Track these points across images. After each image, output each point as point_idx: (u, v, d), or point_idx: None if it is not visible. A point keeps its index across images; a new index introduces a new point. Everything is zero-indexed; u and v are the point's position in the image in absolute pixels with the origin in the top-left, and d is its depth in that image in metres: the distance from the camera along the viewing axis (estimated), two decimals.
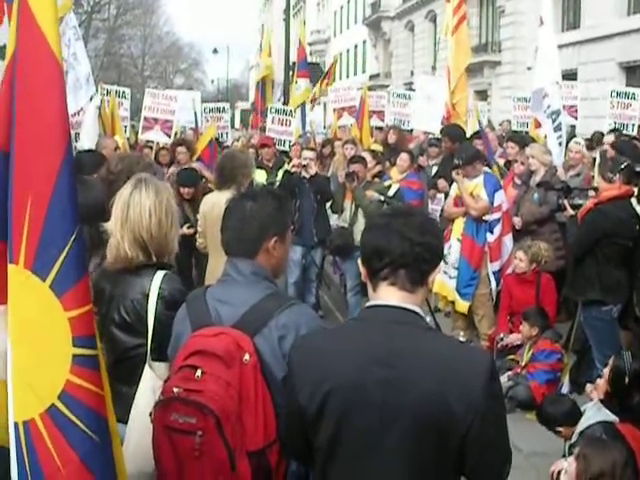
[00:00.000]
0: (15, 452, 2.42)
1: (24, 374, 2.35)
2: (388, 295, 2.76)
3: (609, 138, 12.13)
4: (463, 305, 9.30)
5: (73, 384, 2.31)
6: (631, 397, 5.76)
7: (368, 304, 2.84)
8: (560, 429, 5.95)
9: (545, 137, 12.13)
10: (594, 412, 5.65)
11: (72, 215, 2.30)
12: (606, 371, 6.31)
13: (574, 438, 5.65)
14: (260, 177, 11.50)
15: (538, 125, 12.94)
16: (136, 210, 3.82)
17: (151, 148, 15.00)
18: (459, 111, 13.77)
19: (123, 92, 16.53)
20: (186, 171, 10.44)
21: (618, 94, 16.29)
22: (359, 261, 2.90)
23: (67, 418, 2.32)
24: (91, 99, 11.82)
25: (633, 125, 15.65)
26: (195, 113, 17.05)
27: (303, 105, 17.97)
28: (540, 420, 6.31)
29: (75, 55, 11.19)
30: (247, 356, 2.96)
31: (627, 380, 6.03)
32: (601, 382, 5.94)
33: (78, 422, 2.32)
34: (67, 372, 2.31)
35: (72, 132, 11.40)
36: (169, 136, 15.57)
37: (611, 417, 5.54)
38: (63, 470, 2.34)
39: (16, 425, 2.39)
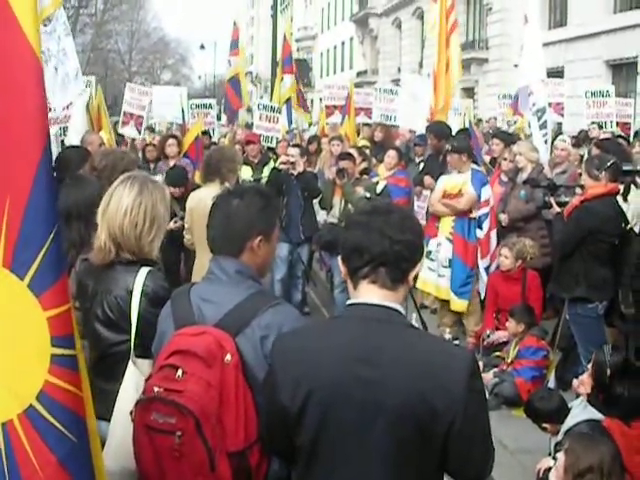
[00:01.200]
0: None
1: (1, 375, 2.32)
2: (369, 293, 2.76)
3: (595, 133, 12.17)
4: (460, 304, 9.28)
5: (52, 385, 2.28)
6: (614, 390, 5.79)
7: (349, 302, 2.84)
8: (546, 425, 5.96)
9: (529, 126, 12.16)
10: (580, 410, 5.66)
11: (51, 214, 2.26)
12: (589, 366, 6.34)
13: (560, 436, 5.66)
14: (246, 173, 11.48)
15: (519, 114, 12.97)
16: (113, 206, 3.82)
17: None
18: (443, 112, 13.73)
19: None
20: (175, 170, 10.40)
21: (593, 93, 16.42)
22: (339, 259, 2.89)
23: (45, 419, 2.29)
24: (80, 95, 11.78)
25: (611, 122, 15.74)
26: (182, 109, 17.01)
27: (289, 101, 17.96)
28: (527, 414, 6.32)
29: (64, 50, 11.14)
30: (229, 356, 2.94)
31: (608, 373, 6.07)
32: (585, 377, 5.96)
33: (56, 423, 2.29)
34: (46, 372, 2.28)
35: (60, 127, 11.43)
36: (139, 132, 15.55)
37: (597, 415, 5.55)
38: (41, 472, 2.31)
39: None
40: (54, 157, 9.09)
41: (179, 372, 2.93)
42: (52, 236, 2.25)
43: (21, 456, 2.33)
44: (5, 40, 2.25)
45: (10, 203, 2.24)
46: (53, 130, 13.02)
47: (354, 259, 2.77)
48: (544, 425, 6.00)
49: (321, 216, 10.99)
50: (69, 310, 2.30)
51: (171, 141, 12.22)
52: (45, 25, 10.93)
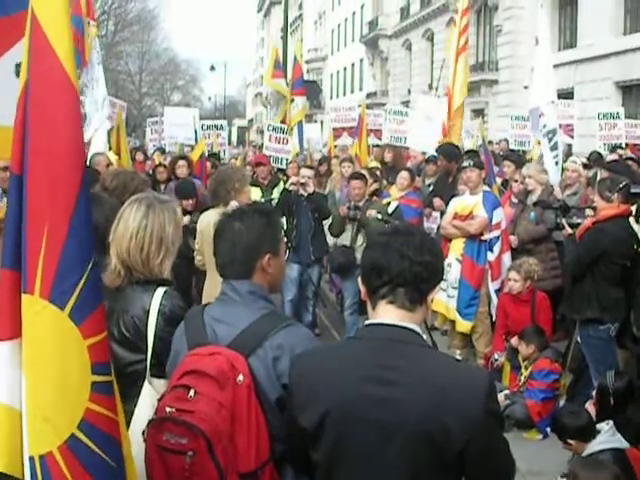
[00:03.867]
0: None
1: (40, 407, 2.32)
2: (387, 313, 2.75)
3: (612, 157, 12.16)
4: (465, 325, 9.30)
5: (92, 412, 2.29)
6: (620, 415, 5.77)
7: (367, 322, 2.84)
8: (572, 442, 5.88)
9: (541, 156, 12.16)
10: (607, 437, 5.62)
11: (89, 244, 2.29)
12: (593, 393, 6.33)
13: (584, 454, 5.64)
14: (255, 195, 11.50)
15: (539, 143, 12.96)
16: (120, 230, 3.83)
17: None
18: (453, 133, 13.75)
19: None
20: (184, 183, 10.48)
21: (604, 115, 16.41)
22: (359, 279, 2.89)
23: (87, 447, 2.30)
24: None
25: (621, 144, 15.72)
26: (195, 130, 17.06)
27: (300, 123, 17.95)
28: (553, 429, 6.27)
29: (97, 79, 11.31)
30: (241, 377, 2.93)
31: (612, 400, 6.05)
32: (588, 405, 5.95)
33: (97, 450, 2.30)
34: (86, 400, 2.29)
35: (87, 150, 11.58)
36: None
37: (624, 443, 5.53)
38: None
39: (32, 459, 2.35)
40: None
41: (191, 392, 2.93)
42: (90, 265, 2.27)
43: None
44: (44, 72, 2.26)
45: (48, 234, 2.25)
46: None
47: (373, 279, 2.77)
48: (569, 441, 5.93)
49: (331, 238, 10.97)
50: (105, 337, 2.32)
51: (181, 162, 12.31)
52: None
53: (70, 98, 2.26)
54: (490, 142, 20.28)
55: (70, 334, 2.27)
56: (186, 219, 9.13)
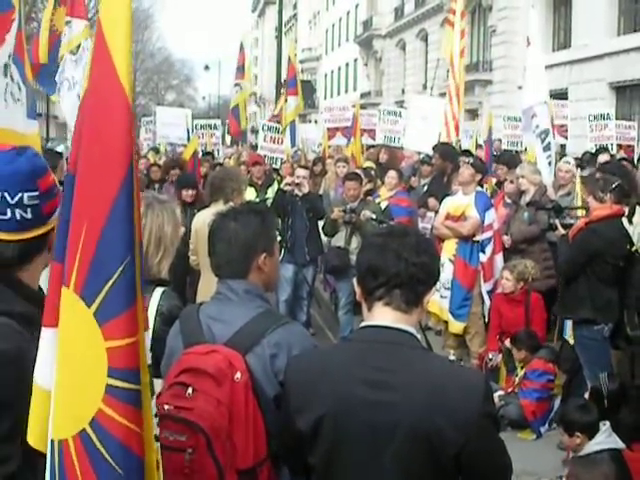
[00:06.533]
0: (49, 469, 2.42)
1: (62, 396, 2.35)
2: (383, 315, 2.74)
3: (603, 158, 12.19)
4: (457, 326, 9.34)
5: (104, 414, 2.27)
6: (614, 417, 5.80)
7: (362, 324, 2.83)
8: (580, 436, 5.89)
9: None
10: (604, 437, 5.65)
11: (123, 245, 2.27)
12: (586, 395, 6.35)
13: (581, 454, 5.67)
14: (250, 195, 11.51)
15: None
16: None
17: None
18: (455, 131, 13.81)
19: None
20: (186, 175, 10.54)
21: (595, 117, 16.46)
22: (354, 280, 2.89)
23: (95, 447, 2.29)
24: None
25: (612, 145, 15.77)
26: (188, 130, 17.07)
27: (293, 123, 18.04)
28: (560, 420, 6.28)
29: None
30: (238, 374, 2.95)
31: (606, 402, 6.08)
32: None
33: (105, 453, 2.28)
34: (99, 401, 2.27)
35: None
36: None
37: (620, 444, 5.55)
38: None
39: (52, 442, 2.39)
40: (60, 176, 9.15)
41: (189, 390, 2.94)
42: (122, 268, 2.26)
43: (71, 476, 2.33)
44: (98, 74, 2.31)
45: (87, 230, 2.27)
46: (61, 149, 13.15)
47: (369, 280, 2.76)
48: (577, 434, 5.93)
49: (325, 238, 10.99)
50: (134, 343, 2.29)
51: (174, 171, 12.38)
52: (73, 53, 11.14)
53: (121, 104, 2.30)
54: (484, 142, 20.35)
55: (92, 333, 2.27)
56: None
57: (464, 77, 14.29)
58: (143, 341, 2.34)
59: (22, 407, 2.39)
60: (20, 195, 2.53)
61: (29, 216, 2.56)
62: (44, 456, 2.46)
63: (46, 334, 2.41)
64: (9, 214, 2.53)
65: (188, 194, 9.82)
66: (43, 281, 2.79)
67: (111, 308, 2.26)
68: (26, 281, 2.65)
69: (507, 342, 8.40)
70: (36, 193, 2.56)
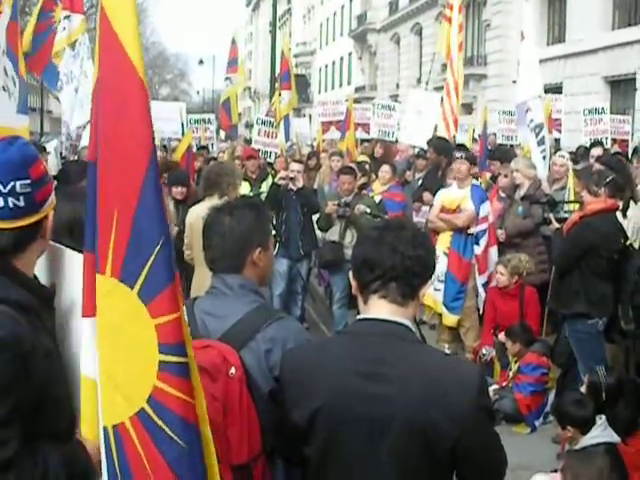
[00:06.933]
0: (105, 456, 2.47)
1: (112, 380, 2.40)
2: (378, 308, 2.75)
3: (596, 151, 12.20)
4: (451, 319, 9.35)
5: (160, 390, 2.34)
6: (610, 411, 5.81)
7: (358, 317, 2.83)
8: (571, 429, 5.90)
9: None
10: (600, 431, 5.66)
11: (157, 223, 2.33)
12: (583, 389, 6.35)
13: (576, 447, 5.68)
14: (244, 189, 11.50)
15: None
16: None
17: None
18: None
19: None
20: (177, 172, 10.53)
21: (590, 111, 16.47)
22: (350, 274, 2.89)
23: (155, 423, 2.35)
24: None
25: (606, 139, 15.77)
26: (182, 124, 17.05)
27: (287, 117, 18.04)
28: (555, 413, 6.29)
29: (85, 73, 11.33)
30: (233, 369, 2.93)
31: (604, 396, 6.09)
32: None
33: (165, 428, 2.35)
34: (154, 378, 2.34)
35: (69, 143, 11.58)
36: None
37: (615, 437, 5.56)
38: (152, 475, 2.37)
39: (105, 430, 2.44)
40: (54, 170, 9.14)
41: None
42: (160, 245, 2.32)
43: (133, 457, 2.39)
44: (112, 64, 2.35)
45: (118, 214, 2.32)
46: (54, 144, 13.13)
47: (365, 273, 2.76)
48: (568, 428, 5.94)
49: (319, 233, 10.98)
50: (178, 318, 2.35)
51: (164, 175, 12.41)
52: (72, 48, 11.17)
53: (138, 89, 2.33)
54: (479, 136, 20.37)
55: (139, 312, 2.33)
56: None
57: (462, 71, 14.29)
58: (183, 315, 2.40)
59: (21, 392, 2.42)
60: (12, 183, 2.55)
61: (22, 204, 2.58)
62: (48, 441, 2.52)
63: (87, 324, 2.49)
64: (2, 202, 2.55)
65: (178, 191, 9.81)
66: (39, 269, 2.83)
67: (153, 286, 2.32)
68: (21, 269, 2.67)
69: (501, 336, 8.41)
70: (28, 181, 2.58)
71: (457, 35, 14.03)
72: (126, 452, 2.40)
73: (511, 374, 8.08)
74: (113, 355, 2.40)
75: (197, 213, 7.40)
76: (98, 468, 2.58)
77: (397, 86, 50.64)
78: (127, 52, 2.32)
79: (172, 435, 2.34)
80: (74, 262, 2.77)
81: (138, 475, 2.39)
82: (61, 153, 12.91)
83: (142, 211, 2.31)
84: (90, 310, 2.48)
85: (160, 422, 2.35)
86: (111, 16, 2.34)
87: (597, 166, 9.45)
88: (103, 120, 2.36)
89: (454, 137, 14.29)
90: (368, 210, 9.77)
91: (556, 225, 8.38)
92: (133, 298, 2.33)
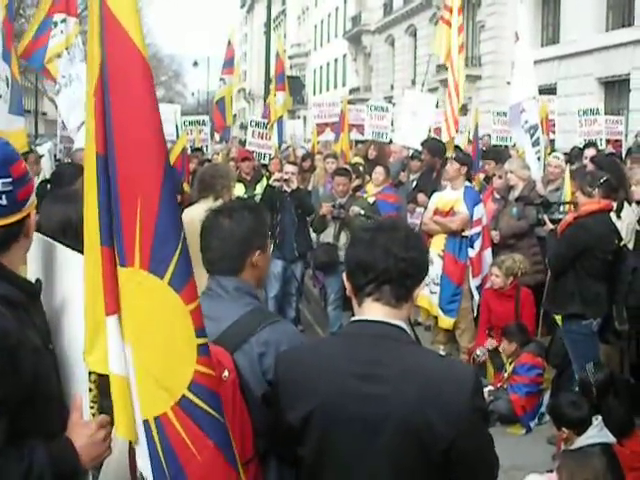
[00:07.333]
0: (147, 449, 2.48)
1: (150, 372, 2.42)
2: (373, 310, 2.74)
3: (589, 152, 12.20)
4: (447, 321, 9.34)
5: (200, 373, 2.39)
6: (604, 407, 5.81)
7: (353, 319, 2.83)
8: (566, 431, 5.90)
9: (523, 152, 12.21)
10: (596, 432, 5.66)
11: (178, 209, 2.40)
12: (577, 388, 6.36)
13: (572, 448, 5.68)
14: (239, 190, 11.49)
15: None
16: None
17: None
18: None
19: None
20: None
21: (584, 112, 16.48)
22: (344, 276, 2.89)
23: (198, 407, 2.40)
24: None
25: (601, 140, 15.79)
26: (177, 126, 17.01)
27: (281, 119, 18.03)
28: (551, 414, 6.29)
29: (78, 75, 11.34)
30: (226, 372, 2.93)
31: (595, 392, 6.09)
32: None
33: (208, 409, 2.40)
34: (194, 363, 2.39)
35: (64, 145, 11.56)
36: None
37: (611, 438, 5.56)
38: (199, 457, 2.41)
39: (146, 422, 2.45)
40: (48, 173, 9.11)
41: None
42: (183, 235, 2.37)
43: (178, 445, 2.42)
44: (115, 49, 2.37)
45: (142, 207, 2.32)
46: (47, 146, 13.11)
47: (358, 276, 2.76)
48: (563, 429, 5.94)
49: (314, 235, 10.98)
50: (200, 303, 2.42)
51: None
52: (69, 52, 11.18)
53: (145, 76, 2.38)
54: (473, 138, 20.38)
55: (172, 301, 2.36)
56: None
57: (463, 73, 14.28)
58: None
59: (7, 386, 2.42)
60: None
61: (4, 202, 2.57)
62: (37, 439, 2.52)
63: (110, 322, 2.48)
64: None
65: None
66: (24, 268, 2.84)
67: (183, 275, 2.37)
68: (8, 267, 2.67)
69: (491, 341, 8.45)
70: (9, 179, 2.57)
71: (457, 37, 14.01)
72: (171, 441, 2.43)
73: (506, 375, 8.08)
74: (150, 349, 2.42)
75: (191, 215, 7.35)
76: (91, 467, 2.62)
77: (392, 87, 50.68)
78: (132, 38, 2.35)
79: (214, 414, 2.42)
80: (68, 260, 2.76)
81: (185, 459, 2.43)
82: (55, 155, 12.89)
83: (166, 201, 2.33)
84: (112, 307, 2.47)
85: (203, 404, 2.40)
86: (112, 5, 2.35)
87: (591, 167, 9.46)
88: (115, 110, 2.35)
89: (453, 139, 14.29)
90: (362, 212, 9.77)
91: (550, 226, 8.39)
92: (164, 287, 2.35)
